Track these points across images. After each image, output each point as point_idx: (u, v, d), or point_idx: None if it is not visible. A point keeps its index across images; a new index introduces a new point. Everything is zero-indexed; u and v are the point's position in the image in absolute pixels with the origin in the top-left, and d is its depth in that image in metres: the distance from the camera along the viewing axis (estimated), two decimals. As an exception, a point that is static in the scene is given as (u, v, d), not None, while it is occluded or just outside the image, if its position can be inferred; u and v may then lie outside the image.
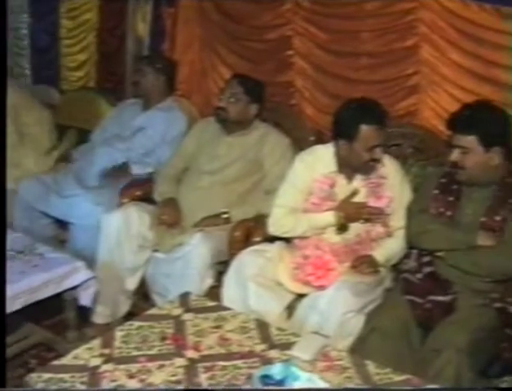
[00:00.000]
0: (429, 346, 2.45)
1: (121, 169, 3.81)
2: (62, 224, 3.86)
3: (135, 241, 3.31)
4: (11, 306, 2.72)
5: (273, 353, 2.21)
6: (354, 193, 2.84)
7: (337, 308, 2.61)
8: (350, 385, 2.07)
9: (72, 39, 4.96)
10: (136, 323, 2.40)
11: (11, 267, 2.84)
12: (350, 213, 2.83)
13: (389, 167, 2.92)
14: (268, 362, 2.15)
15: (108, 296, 3.29)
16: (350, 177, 2.91)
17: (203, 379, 2.08)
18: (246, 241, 3.11)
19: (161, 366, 2.15)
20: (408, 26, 3.27)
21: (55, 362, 2.22)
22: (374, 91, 3.23)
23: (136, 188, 3.64)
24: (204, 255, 3.08)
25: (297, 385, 2.01)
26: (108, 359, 2.18)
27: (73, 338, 3.03)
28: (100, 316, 3.33)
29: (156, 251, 3.32)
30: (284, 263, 2.88)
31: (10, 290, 2.70)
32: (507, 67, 2.99)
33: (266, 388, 2.00)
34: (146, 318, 2.44)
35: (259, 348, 2.24)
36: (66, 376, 2.09)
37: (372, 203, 2.86)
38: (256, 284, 2.78)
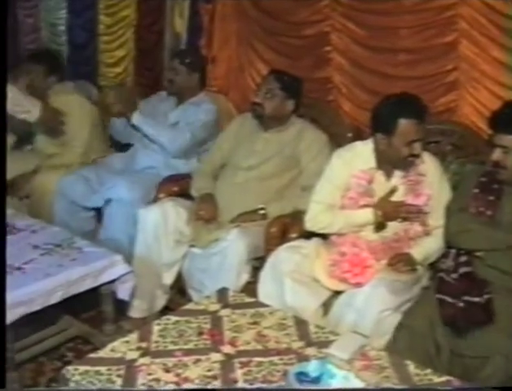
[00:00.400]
0: (470, 350, 2.41)
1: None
2: (101, 218, 3.88)
3: (172, 236, 3.33)
4: (49, 300, 2.76)
5: (310, 351, 2.20)
6: (392, 191, 2.81)
7: (374, 306, 2.59)
8: (388, 385, 2.04)
9: (110, 35, 5.01)
10: (173, 318, 2.41)
11: (49, 261, 2.90)
12: (388, 212, 2.80)
13: (428, 164, 2.88)
14: (305, 359, 2.13)
15: (145, 290, 3.32)
16: (389, 174, 2.88)
17: (239, 374, 2.08)
18: (283, 237, 3.10)
19: (197, 360, 2.15)
20: (447, 22, 3.23)
21: (92, 355, 2.24)
22: (413, 87, 3.18)
23: (173, 184, 3.66)
24: (240, 251, 3.09)
25: (332, 383, 2.00)
26: (145, 353, 2.19)
27: (110, 331, 3.04)
28: (137, 310, 3.36)
29: (192, 246, 3.33)
30: (320, 260, 2.86)
31: (48, 283, 2.75)
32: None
33: (267, 387, 2.01)
34: (183, 313, 2.45)
35: (296, 345, 2.23)
36: (103, 369, 2.10)
37: (411, 200, 2.83)
38: (292, 280, 2.77)
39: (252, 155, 3.40)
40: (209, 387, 2.04)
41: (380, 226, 2.83)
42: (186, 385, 2.04)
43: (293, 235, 3.07)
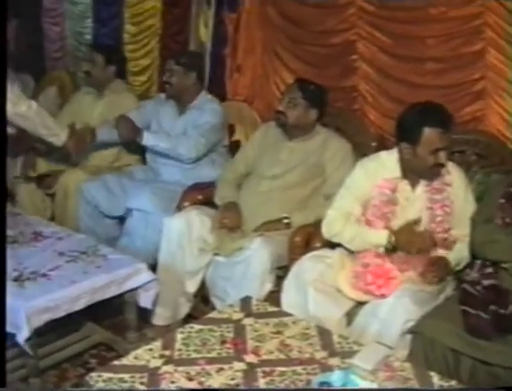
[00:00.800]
0: (496, 358, 2.37)
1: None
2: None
3: (196, 244, 3.34)
4: (74, 306, 2.77)
5: (333, 361, 2.17)
6: (416, 222, 2.80)
7: (398, 316, 2.56)
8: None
9: (135, 44, 5.04)
10: (196, 326, 2.40)
11: (74, 268, 2.92)
12: (403, 242, 2.79)
13: (454, 174, 2.87)
14: (328, 369, 2.12)
15: (169, 298, 3.33)
16: (414, 184, 2.87)
17: (261, 383, 2.06)
18: (306, 246, 3.10)
19: (220, 369, 2.14)
20: (474, 31, 3.21)
21: (116, 362, 2.23)
22: (439, 96, 3.17)
23: (198, 192, 3.67)
24: (264, 259, 3.08)
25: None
26: (168, 361, 2.18)
27: (133, 339, 3.06)
28: (160, 318, 3.37)
29: (216, 254, 3.34)
30: (344, 270, 2.85)
31: (72, 290, 2.77)
32: None
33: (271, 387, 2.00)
34: (206, 322, 2.45)
35: (320, 355, 2.21)
36: (126, 376, 2.10)
37: (436, 210, 2.82)
38: (315, 290, 2.75)
39: (276, 165, 3.40)
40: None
41: (391, 250, 2.82)
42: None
43: (317, 245, 3.06)
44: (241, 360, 2.19)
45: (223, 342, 2.29)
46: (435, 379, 2.07)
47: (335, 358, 2.20)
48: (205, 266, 3.36)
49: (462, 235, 2.80)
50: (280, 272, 3.11)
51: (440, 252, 2.83)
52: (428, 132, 2.72)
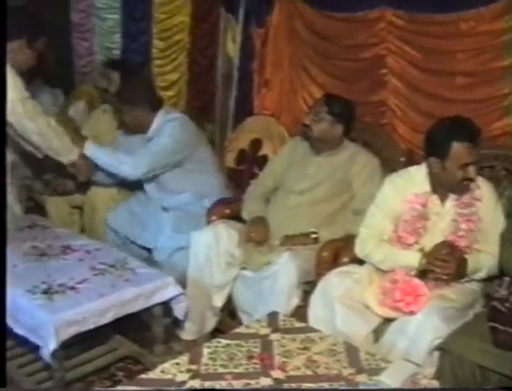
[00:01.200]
0: None
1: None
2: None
3: (224, 258, 3.34)
4: (101, 319, 2.78)
5: (361, 378, 2.16)
6: (445, 244, 2.76)
7: (426, 334, 2.54)
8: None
9: (163, 59, 5.09)
10: (223, 341, 2.40)
11: (103, 281, 2.93)
12: (433, 264, 2.75)
13: (483, 189, 2.84)
14: (355, 386, 2.10)
15: (196, 312, 3.33)
16: (443, 198, 2.85)
17: (288, 399, 2.06)
18: (334, 262, 3.08)
19: (247, 384, 2.13)
20: (504, 45, 3.19)
21: (143, 376, 2.23)
22: (469, 111, 3.14)
23: (225, 206, 3.68)
24: (291, 274, 3.07)
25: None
26: (195, 375, 2.18)
27: (160, 352, 3.06)
28: (187, 332, 3.37)
29: (243, 269, 3.33)
30: (372, 287, 2.83)
31: (101, 303, 2.78)
32: None
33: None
34: (233, 337, 2.44)
35: (347, 372, 2.20)
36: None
37: (461, 224, 2.80)
38: (343, 305, 2.74)
39: (304, 179, 3.40)
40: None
41: (422, 273, 2.79)
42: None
43: (345, 260, 3.05)
44: (268, 375, 2.18)
45: (250, 357, 2.29)
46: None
47: (362, 374, 2.18)
48: (232, 280, 3.36)
49: (490, 252, 2.77)
50: (307, 287, 3.09)
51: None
52: (456, 146, 2.70)
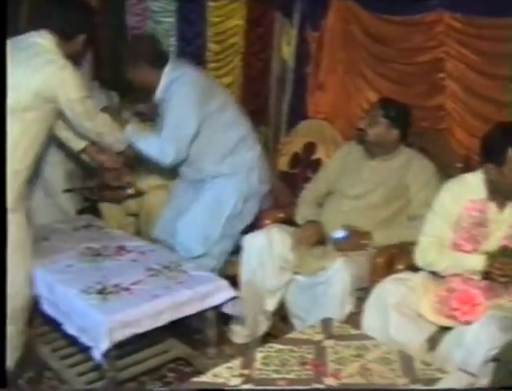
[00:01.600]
0: None
1: None
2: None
3: (277, 262, 3.32)
4: (155, 322, 2.78)
5: (415, 388, 2.12)
6: (506, 249, 2.72)
7: (483, 344, 2.49)
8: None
9: (218, 62, 5.09)
10: (276, 346, 2.39)
11: (157, 282, 2.94)
12: (496, 268, 2.69)
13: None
14: (410, 396, 2.08)
15: (249, 316, 3.32)
16: (501, 205, 2.79)
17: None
18: (389, 268, 3.05)
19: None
20: None
21: (196, 379, 2.24)
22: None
23: (278, 210, 3.69)
24: (345, 280, 3.04)
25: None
26: (248, 380, 2.18)
27: (212, 355, 3.05)
28: (239, 336, 3.38)
29: (296, 273, 3.31)
30: (428, 295, 2.79)
31: (155, 305, 2.78)
32: None
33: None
34: (286, 342, 2.43)
35: (401, 381, 2.16)
36: (205, 394, 2.11)
37: None
38: (397, 313, 2.71)
39: (358, 184, 3.37)
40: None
41: (487, 276, 2.74)
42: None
43: (400, 267, 3.01)
44: (321, 382, 2.17)
45: (303, 363, 2.27)
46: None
47: (417, 384, 2.14)
48: (285, 285, 3.34)
49: None
50: (361, 293, 3.06)
51: None
52: None
